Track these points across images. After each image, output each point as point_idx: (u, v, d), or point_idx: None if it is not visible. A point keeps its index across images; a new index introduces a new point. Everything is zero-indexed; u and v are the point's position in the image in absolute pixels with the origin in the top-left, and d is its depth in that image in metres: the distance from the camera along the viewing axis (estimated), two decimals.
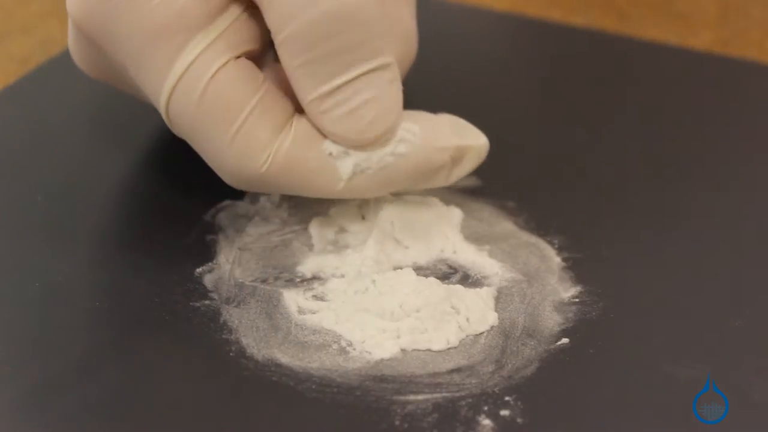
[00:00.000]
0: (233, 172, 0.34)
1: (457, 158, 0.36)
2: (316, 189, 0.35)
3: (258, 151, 0.33)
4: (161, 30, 0.33)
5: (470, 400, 0.31)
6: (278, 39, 0.33)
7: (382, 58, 0.33)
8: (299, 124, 0.34)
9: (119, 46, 0.34)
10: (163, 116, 0.34)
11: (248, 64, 0.34)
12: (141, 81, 0.34)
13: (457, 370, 0.33)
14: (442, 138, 0.35)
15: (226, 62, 0.33)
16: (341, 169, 0.34)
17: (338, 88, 0.33)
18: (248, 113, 0.33)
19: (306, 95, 0.33)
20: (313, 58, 0.33)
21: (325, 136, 0.34)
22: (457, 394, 0.32)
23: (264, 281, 0.36)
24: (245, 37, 0.34)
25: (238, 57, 0.33)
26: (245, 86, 0.33)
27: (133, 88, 0.36)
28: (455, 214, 0.39)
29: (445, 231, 0.38)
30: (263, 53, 0.35)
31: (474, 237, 0.38)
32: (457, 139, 0.36)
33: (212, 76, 0.33)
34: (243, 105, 0.33)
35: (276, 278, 0.36)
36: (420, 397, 0.32)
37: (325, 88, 0.33)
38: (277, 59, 0.35)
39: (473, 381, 0.32)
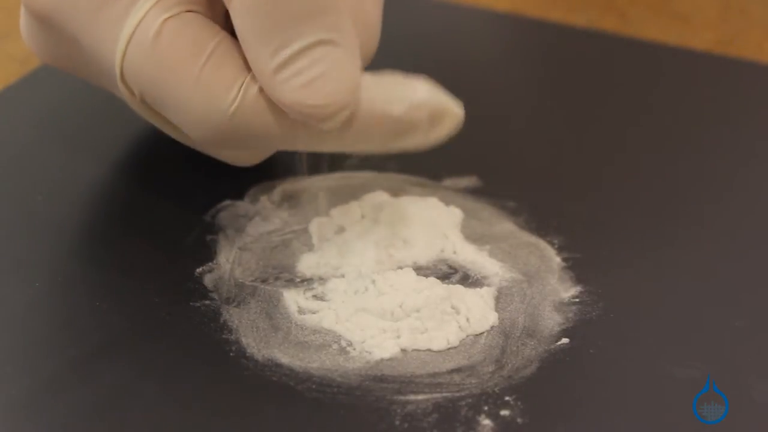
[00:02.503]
0: (200, 117, 0.33)
1: (434, 119, 0.34)
2: (286, 134, 0.33)
3: (224, 92, 0.32)
4: None
5: (470, 400, 0.31)
6: (234, 7, 0.32)
7: (337, 33, 0.32)
8: None
9: (68, 15, 0.33)
10: (119, 83, 0.33)
11: (201, 17, 0.33)
12: (93, 49, 0.33)
13: (457, 370, 0.33)
14: (420, 94, 0.34)
15: (178, 13, 0.32)
16: None
17: (295, 55, 0.32)
18: (210, 52, 0.32)
19: (261, 62, 0.32)
20: (270, 24, 0.32)
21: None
22: (457, 394, 0.32)
23: (264, 281, 0.36)
24: (201, 3, 0.33)
25: (192, 12, 0.33)
26: (202, 31, 0.33)
27: (84, 69, 0.36)
28: (455, 214, 0.39)
29: (445, 231, 0.38)
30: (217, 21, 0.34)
31: (474, 237, 0.38)
32: (435, 99, 0.35)
33: (164, 21, 0.32)
34: (203, 46, 0.32)
35: (276, 278, 0.36)
36: (420, 397, 0.32)
37: (281, 56, 0.32)
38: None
39: (473, 381, 0.32)
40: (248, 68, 0.33)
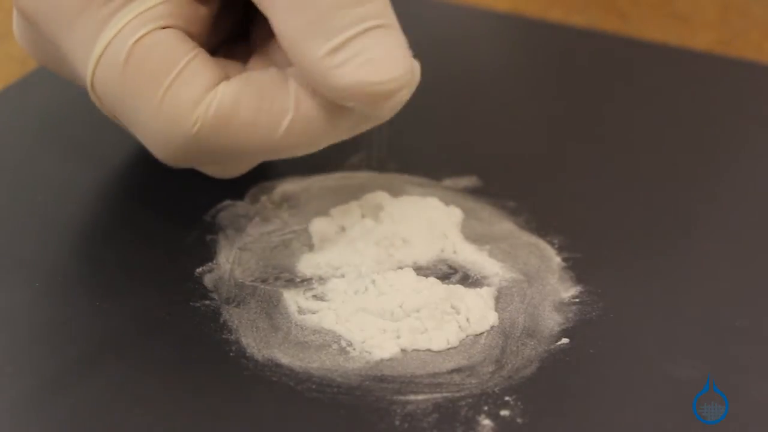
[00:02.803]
0: (164, 139, 0.33)
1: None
2: (253, 143, 0.33)
3: (188, 111, 0.32)
4: (88, 1, 0.32)
5: (470, 400, 0.31)
6: (275, 6, 0.32)
7: (386, 18, 0.32)
8: (230, 82, 0.33)
9: (49, 18, 0.33)
10: (90, 92, 0.34)
11: (179, 34, 0.33)
12: (69, 55, 0.33)
13: (457, 370, 0.33)
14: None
15: (154, 29, 0.32)
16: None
17: (349, 40, 0.31)
18: (176, 74, 0.32)
19: (314, 53, 0.31)
20: (318, 15, 0.31)
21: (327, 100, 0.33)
22: (457, 394, 0.32)
23: (264, 281, 0.36)
24: (181, 17, 0.33)
25: (170, 28, 0.33)
26: (173, 50, 0.33)
27: (65, 71, 0.36)
28: (455, 214, 0.39)
29: (445, 231, 0.38)
30: (200, 40, 0.35)
31: (474, 237, 0.38)
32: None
33: (137, 41, 0.32)
34: (171, 67, 0.32)
35: (276, 278, 0.36)
36: (420, 397, 0.32)
37: (337, 40, 0.31)
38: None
39: (473, 381, 0.32)
40: (215, 84, 0.33)
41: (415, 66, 0.34)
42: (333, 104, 0.33)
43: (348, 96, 0.32)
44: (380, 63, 0.32)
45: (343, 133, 0.34)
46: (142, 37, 0.32)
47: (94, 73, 0.33)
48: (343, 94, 0.32)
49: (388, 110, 0.33)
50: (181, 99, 0.32)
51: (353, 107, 0.33)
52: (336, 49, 0.32)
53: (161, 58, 0.32)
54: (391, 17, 0.32)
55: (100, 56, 0.33)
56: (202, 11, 0.34)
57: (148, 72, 0.32)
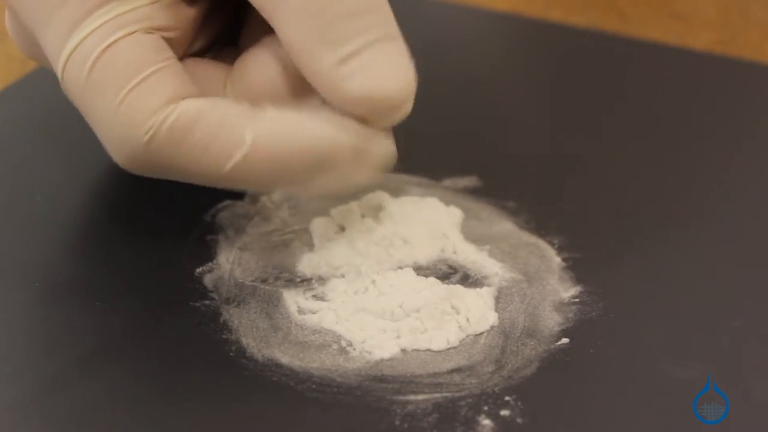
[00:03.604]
0: (118, 142, 0.32)
1: (359, 158, 0.34)
2: (200, 169, 0.33)
3: (144, 119, 0.32)
4: None
5: (470, 400, 0.31)
6: (283, 14, 0.32)
7: (392, 28, 0.33)
8: (195, 100, 0.33)
9: (30, 10, 0.33)
10: (62, 87, 0.34)
11: (155, 40, 0.33)
12: (45, 50, 0.33)
13: (457, 370, 0.33)
14: (348, 130, 0.33)
15: (132, 32, 0.32)
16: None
17: (357, 51, 0.32)
18: (141, 80, 0.32)
19: (323, 63, 0.32)
20: (325, 24, 0.32)
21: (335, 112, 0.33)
22: (457, 394, 0.32)
23: (264, 281, 0.36)
24: (162, 20, 0.33)
25: (149, 33, 0.33)
26: (143, 56, 0.32)
27: (49, 65, 0.36)
28: (455, 214, 0.39)
29: (445, 231, 0.38)
30: (183, 44, 0.35)
31: (474, 237, 0.38)
32: (364, 138, 0.34)
33: (109, 45, 0.32)
34: (136, 72, 0.32)
35: (276, 278, 0.36)
36: (420, 397, 0.32)
37: (344, 51, 0.32)
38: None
39: (473, 381, 0.32)
40: (172, 101, 0.32)
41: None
42: (293, 154, 0.33)
43: (356, 107, 0.32)
44: (389, 75, 0.32)
45: (298, 183, 0.34)
46: (115, 41, 0.32)
47: (63, 70, 0.33)
48: (353, 105, 0.32)
49: (393, 121, 0.33)
50: (139, 105, 0.32)
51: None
52: (345, 60, 0.32)
53: (128, 63, 0.32)
54: (395, 27, 0.33)
55: (69, 56, 0.32)
56: (188, 14, 0.34)
57: (113, 75, 0.32)
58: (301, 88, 0.34)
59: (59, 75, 0.33)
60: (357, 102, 0.32)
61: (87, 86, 0.32)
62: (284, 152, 0.33)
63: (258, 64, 0.35)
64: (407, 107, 0.33)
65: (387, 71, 0.32)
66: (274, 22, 0.33)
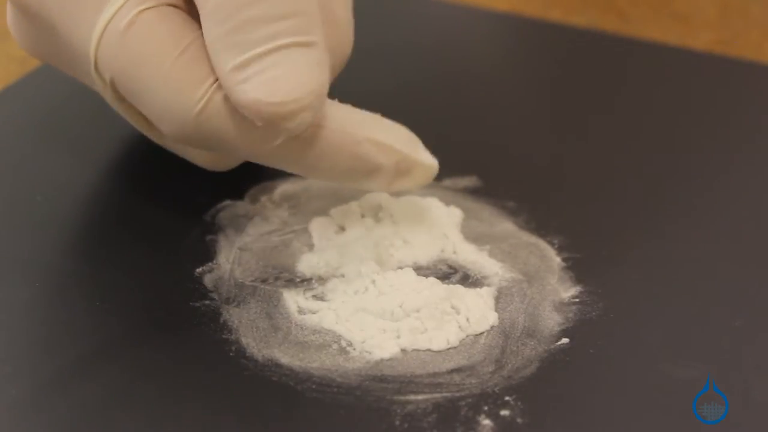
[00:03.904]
0: (167, 110, 0.32)
1: (403, 169, 0.35)
2: (250, 140, 0.32)
3: (194, 86, 0.32)
4: None
5: (470, 400, 0.31)
6: (203, 11, 0.32)
7: (306, 36, 0.31)
8: None
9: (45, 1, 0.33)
10: (92, 72, 0.33)
11: (180, 12, 0.33)
12: (69, 36, 0.33)
13: (457, 370, 0.33)
14: (393, 140, 0.34)
15: (156, 5, 0.32)
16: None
17: (258, 57, 0.31)
18: (184, 48, 0.32)
19: (225, 65, 0.31)
20: (235, 26, 0.31)
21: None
22: (457, 394, 0.32)
23: (264, 281, 0.36)
24: None
25: (171, 6, 0.33)
26: (178, 26, 0.32)
27: (60, 57, 0.36)
28: (455, 214, 0.39)
29: (445, 231, 0.38)
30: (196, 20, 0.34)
31: (474, 237, 0.38)
32: (408, 149, 0.35)
33: (140, 12, 0.32)
34: (178, 40, 0.32)
35: (276, 278, 0.36)
36: (420, 397, 0.32)
37: (245, 56, 0.31)
38: None
39: (473, 381, 0.32)
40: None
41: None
42: (344, 147, 0.33)
43: (248, 113, 0.32)
44: (282, 83, 0.31)
45: (335, 177, 0.35)
46: (146, 9, 0.32)
47: (97, 48, 0.32)
48: (244, 110, 0.32)
49: (290, 129, 0.32)
50: (187, 74, 0.32)
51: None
52: (243, 65, 0.31)
53: (167, 31, 0.32)
54: (314, 34, 0.32)
55: (105, 28, 0.32)
56: None
57: (154, 42, 0.32)
58: None
59: (92, 58, 0.33)
60: (247, 107, 0.31)
61: (127, 61, 0.32)
62: (335, 143, 0.33)
63: None
64: (303, 117, 0.32)
65: (283, 77, 0.31)
66: (200, 14, 0.32)
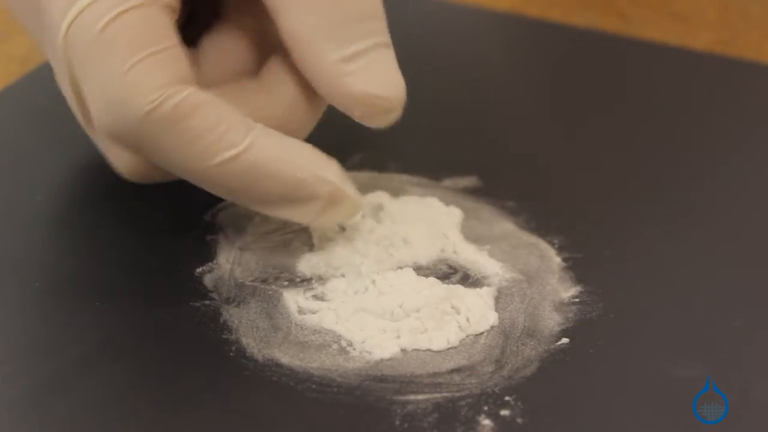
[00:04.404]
0: (114, 106, 0.32)
1: (335, 200, 0.34)
2: (187, 155, 0.32)
3: (149, 90, 0.32)
4: None
5: (470, 400, 0.31)
6: (292, 4, 0.33)
7: (388, 37, 0.34)
8: (202, 89, 0.33)
9: None
10: (60, 44, 0.33)
11: (168, 18, 0.33)
12: (47, 4, 0.33)
13: (457, 370, 0.33)
14: (331, 172, 0.34)
15: (145, 4, 0.32)
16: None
17: (362, 52, 0.33)
18: (153, 52, 0.32)
19: (328, 55, 0.33)
20: (339, 20, 0.33)
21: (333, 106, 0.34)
22: (457, 394, 0.32)
23: (264, 281, 0.36)
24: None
25: (160, 9, 0.33)
26: (159, 30, 0.32)
27: (38, 29, 0.35)
28: (455, 214, 0.39)
29: (445, 231, 0.38)
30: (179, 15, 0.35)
31: (474, 237, 0.38)
32: (341, 182, 0.34)
33: (126, 10, 0.32)
34: (150, 43, 0.32)
35: (276, 278, 0.36)
36: (420, 397, 0.32)
37: (350, 49, 0.33)
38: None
39: (473, 381, 0.32)
40: (180, 83, 0.32)
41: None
42: (279, 172, 0.33)
43: (354, 103, 0.34)
44: (386, 79, 0.34)
45: (267, 204, 0.34)
46: (128, 9, 0.32)
47: (68, 28, 0.32)
48: (351, 101, 0.34)
49: (384, 123, 0.35)
50: (147, 77, 0.32)
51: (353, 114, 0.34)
52: (350, 58, 0.33)
53: (142, 33, 0.32)
54: (389, 36, 0.34)
55: (78, 15, 0.32)
56: None
57: (125, 41, 0.32)
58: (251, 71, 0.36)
59: (62, 33, 0.32)
60: (357, 98, 0.34)
61: (94, 48, 0.32)
62: (271, 168, 0.33)
63: (224, 49, 0.37)
64: (399, 113, 0.34)
65: (387, 75, 0.34)
66: (279, 11, 0.34)
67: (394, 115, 0.34)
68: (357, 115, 0.34)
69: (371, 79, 0.34)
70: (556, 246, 0.38)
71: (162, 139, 0.32)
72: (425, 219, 0.38)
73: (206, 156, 0.32)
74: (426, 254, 0.37)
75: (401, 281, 0.35)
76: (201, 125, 0.32)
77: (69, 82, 0.34)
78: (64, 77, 0.34)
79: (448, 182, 0.41)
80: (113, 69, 0.32)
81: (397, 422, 0.31)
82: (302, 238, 0.38)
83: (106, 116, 0.33)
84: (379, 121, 0.34)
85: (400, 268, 0.36)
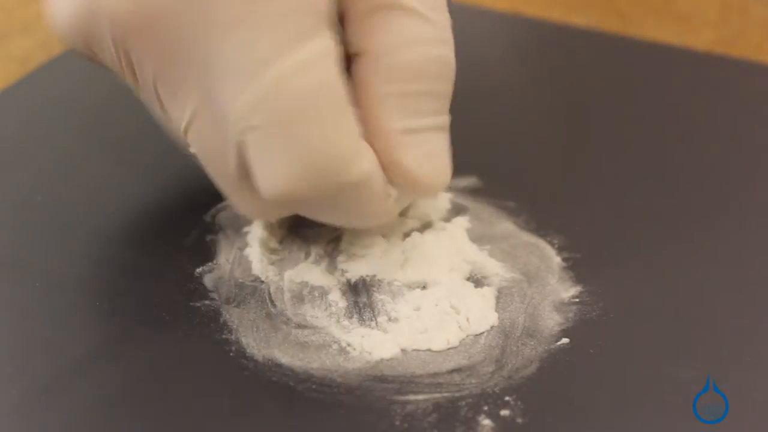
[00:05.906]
0: (319, 171, 0.31)
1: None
2: (361, 217, 0.34)
3: (355, 152, 0.31)
4: (298, 5, 0.30)
5: (470, 400, 0.31)
6: (381, 60, 0.32)
7: (448, 120, 0.34)
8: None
9: (196, 22, 0.31)
10: (267, 87, 0.30)
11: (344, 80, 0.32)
12: (239, 43, 0.30)
13: (457, 370, 0.33)
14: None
15: (339, 69, 0.31)
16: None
17: (424, 129, 0.33)
18: (348, 114, 0.31)
19: (393, 122, 0.32)
20: (411, 91, 0.33)
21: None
22: (457, 394, 0.32)
23: (264, 281, 0.36)
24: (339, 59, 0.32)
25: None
26: (346, 93, 0.32)
27: (115, 67, 0.33)
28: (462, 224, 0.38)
29: (453, 260, 0.37)
30: None
31: (474, 237, 0.38)
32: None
33: (334, 72, 0.31)
34: (346, 106, 0.31)
35: (276, 278, 0.36)
36: (420, 397, 0.32)
37: (415, 124, 0.33)
38: None
39: (473, 381, 0.32)
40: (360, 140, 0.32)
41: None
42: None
43: (399, 174, 0.33)
44: (439, 164, 0.34)
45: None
46: (333, 73, 0.31)
47: (278, 79, 0.30)
48: (400, 172, 0.33)
49: (415, 199, 0.37)
50: (352, 137, 0.31)
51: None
52: (411, 131, 0.33)
53: (341, 96, 0.31)
54: (449, 119, 0.34)
55: (297, 66, 0.30)
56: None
57: (331, 103, 0.31)
58: None
59: (257, 89, 0.30)
60: (407, 172, 0.33)
61: (302, 105, 0.30)
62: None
63: None
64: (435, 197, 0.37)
65: (437, 159, 0.33)
66: (366, 67, 0.33)
67: (433, 197, 0.37)
68: (397, 182, 0.33)
69: (422, 159, 0.33)
70: (556, 246, 0.38)
71: (343, 200, 0.32)
72: (439, 247, 0.37)
73: (378, 215, 0.34)
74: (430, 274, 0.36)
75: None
76: (378, 186, 0.32)
77: (234, 143, 0.32)
78: (218, 136, 0.32)
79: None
80: (323, 131, 0.31)
81: (397, 422, 0.31)
82: (305, 247, 0.38)
83: (299, 181, 0.31)
84: (415, 196, 0.36)
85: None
